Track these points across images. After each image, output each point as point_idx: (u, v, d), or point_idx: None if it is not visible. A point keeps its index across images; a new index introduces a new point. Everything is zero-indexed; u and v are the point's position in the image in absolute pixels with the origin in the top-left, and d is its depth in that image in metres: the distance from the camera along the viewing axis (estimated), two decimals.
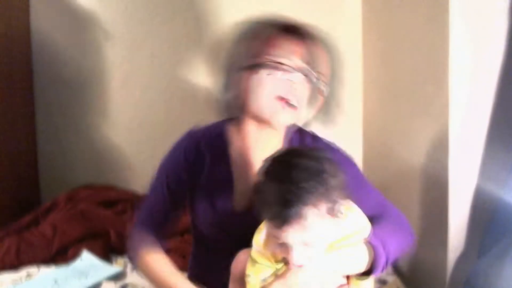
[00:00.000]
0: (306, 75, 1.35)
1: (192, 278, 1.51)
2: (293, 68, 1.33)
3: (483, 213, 1.73)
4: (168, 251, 2.07)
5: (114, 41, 2.59)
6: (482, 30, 1.67)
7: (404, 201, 2.15)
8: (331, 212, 1.07)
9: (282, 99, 1.33)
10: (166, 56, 2.61)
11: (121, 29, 2.59)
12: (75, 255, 2.07)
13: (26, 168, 2.56)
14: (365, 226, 1.24)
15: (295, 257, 1.08)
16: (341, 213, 1.09)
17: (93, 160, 2.65)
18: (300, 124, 1.48)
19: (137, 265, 1.48)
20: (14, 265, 2.03)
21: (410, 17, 2.04)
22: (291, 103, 1.34)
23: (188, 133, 1.51)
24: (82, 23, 2.58)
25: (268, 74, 1.34)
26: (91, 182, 2.56)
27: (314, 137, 1.52)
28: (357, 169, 1.55)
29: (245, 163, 1.43)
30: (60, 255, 2.11)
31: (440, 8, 1.72)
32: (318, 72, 1.39)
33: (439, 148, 1.80)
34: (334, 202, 1.08)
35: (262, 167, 1.14)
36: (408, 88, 2.09)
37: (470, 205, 1.76)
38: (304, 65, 1.35)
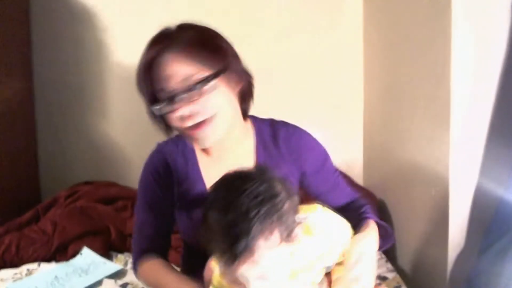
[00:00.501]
0: (194, 89, 1.19)
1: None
2: (177, 92, 1.20)
3: (484, 211, 1.73)
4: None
5: (114, 40, 2.59)
6: (484, 30, 1.68)
7: (405, 200, 2.16)
8: (287, 239, 0.98)
9: (190, 128, 1.23)
10: None
11: (121, 28, 2.59)
12: (75, 252, 2.07)
13: (26, 167, 2.56)
14: (334, 239, 1.15)
15: (252, 286, 0.98)
16: (298, 237, 1.00)
17: (93, 158, 2.65)
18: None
19: (139, 278, 1.44)
20: (14, 261, 2.03)
21: (411, 16, 2.05)
22: (198, 122, 1.22)
23: (156, 148, 1.46)
24: (82, 23, 2.58)
25: (161, 111, 1.24)
26: (91, 179, 2.57)
27: (286, 125, 1.41)
28: (327, 156, 1.44)
29: (216, 171, 1.22)
30: (60, 251, 2.10)
31: (443, 8, 1.72)
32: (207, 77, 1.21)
33: (440, 147, 1.80)
34: (289, 227, 0.98)
35: (208, 195, 1.03)
36: (409, 87, 2.09)
37: (470, 203, 1.76)
38: (186, 82, 1.20)
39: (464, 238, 1.77)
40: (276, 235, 0.95)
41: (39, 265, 2.02)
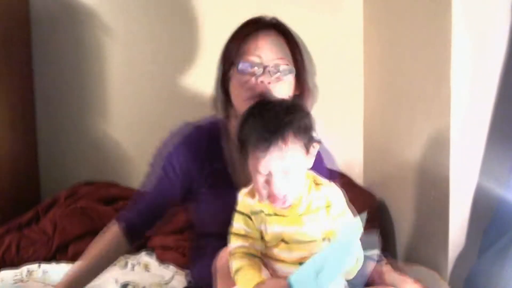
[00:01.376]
0: (279, 71, 1.38)
1: (196, 279, 1.54)
2: (265, 66, 1.37)
3: (484, 211, 1.74)
4: (169, 249, 2.08)
5: (114, 40, 2.59)
6: (484, 30, 1.69)
7: (405, 200, 2.16)
8: (307, 146, 1.17)
9: (254, 97, 1.34)
10: (166, 54, 2.61)
11: (121, 28, 2.59)
12: (75, 252, 2.07)
13: (26, 167, 2.56)
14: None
15: (277, 184, 1.14)
16: (314, 149, 1.20)
17: (93, 158, 2.65)
18: None
19: None
20: (14, 262, 2.03)
21: (411, 17, 2.05)
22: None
23: (186, 128, 1.52)
24: (82, 23, 2.58)
25: (239, 77, 1.39)
26: (91, 179, 2.57)
27: None
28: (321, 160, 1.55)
29: (239, 158, 1.41)
30: (61, 252, 2.11)
31: (443, 8, 1.73)
32: (294, 62, 1.43)
33: (440, 147, 1.80)
34: (310, 140, 1.18)
35: (245, 111, 1.23)
36: (409, 87, 2.10)
37: (470, 204, 1.77)
38: (276, 61, 1.38)
39: (464, 238, 1.78)
40: (301, 142, 1.15)
41: (39, 265, 2.01)
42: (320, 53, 2.60)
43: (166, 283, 1.96)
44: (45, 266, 2.01)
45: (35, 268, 1.99)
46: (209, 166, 1.47)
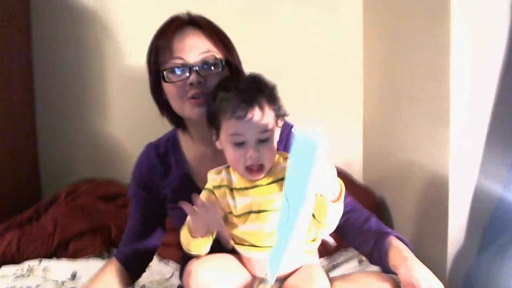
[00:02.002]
0: (206, 66, 1.33)
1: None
2: (190, 66, 1.32)
3: (483, 210, 1.74)
4: (168, 246, 2.08)
5: (114, 40, 2.59)
6: (484, 29, 1.69)
7: (405, 198, 2.16)
8: (277, 116, 1.22)
9: (191, 98, 1.33)
10: None
11: (121, 28, 2.60)
12: (75, 249, 2.08)
13: (27, 165, 2.56)
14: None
15: (253, 152, 1.17)
16: (281, 122, 1.24)
17: (93, 156, 2.65)
18: None
19: None
20: (15, 258, 2.04)
21: (411, 17, 2.05)
22: (197, 97, 1.33)
23: (145, 149, 1.54)
24: (82, 23, 2.59)
25: (168, 86, 1.36)
26: (91, 177, 2.58)
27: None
28: None
29: (203, 162, 1.45)
30: (61, 249, 2.11)
31: (442, 8, 1.73)
32: (220, 52, 1.37)
33: (440, 146, 1.81)
34: (279, 108, 1.23)
35: (213, 88, 1.25)
36: (409, 87, 2.10)
37: (470, 202, 1.77)
38: (200, 56, 1.34)
39: (463, 236, 1.78)
40: (273, 111, 1.20)
41: (40, 261, 2.02)
42: (320, 53, 2.64)
43: (166, 280, 1.97)
44: (45, 263, 2.02)
45: (35, 264, 2.00)
46: (168, 176, 1.47)
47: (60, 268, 1.98)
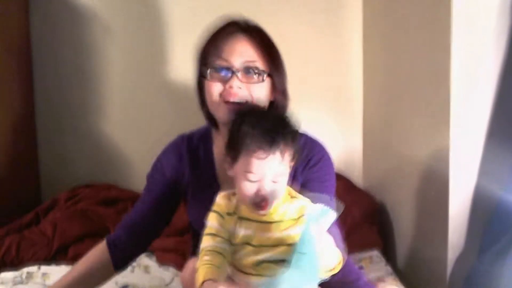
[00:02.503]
0: (248, 72, 1.37)
1: None
2: (235, 68, 1.36)
3: (483, 211, 1.73)
4: (168, 251, 2.08)
5: (114, 40, 2.59)
6: (484, 29, 1.68)
7: (405, 199, 2.16)
8: (293, 158, 1.22)
9: (226, 102, 1.36)
10: (166, 55, 2.61)
11: (121, 28, 2.59)
12: (75, 254, 2.07)
13: (27, 169, 2.57)
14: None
15: (267, 190, 1.18)
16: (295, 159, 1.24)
17: (93, 160, 2.66)
18: None
19: None
20: (14, 263, 2.04)
21: (411, 17, 2.05)
22: (234, 101, 1.36)
23: (177, 138, 1.56)
24: (82, 24, 2.58)
25: (211, 77, 1.39)
26: (91, 181, 2.57)
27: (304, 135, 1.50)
28: (332, 170, 1.51)
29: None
30: (61, 253, 2.11)
31: (442, 8, 1.72)
32: (268, 65, 1.40)
33: (440, 147, 1.80)
34: (296, 150, 1.22)
35: (233, 120, 1.24)
36: (409, 86, 2.09)
37: (470, 203, 1.76)
38: (246, 64, 1.37)
39: (464, 238, 1.77)
40: (291, 153, 1.20)
41: (39, 267, 2.01)
42: (320, 53, 2.63)
43: (166, 285, 1.97)
44: (44, 268, 2.01)
45: (34, 270, 1.99)
46: (194, 171, 1.50)
47: (59, 273, 1.96)
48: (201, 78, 1.44)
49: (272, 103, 1.44)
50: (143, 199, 1.55)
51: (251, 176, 1.18)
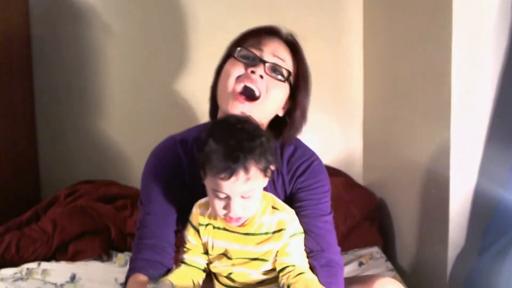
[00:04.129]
0: (274, 70, 1.34)
1: None
2: (263, 61, 1.33)
3: (484, 211, 1.73)
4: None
5: (114, 40, 2.59)
6: (484, 29, 1.69)
7: (405, 199, 2.16)
8: (265, 170, 1.19)
9: (240, 93, 1.30)
10: (166, 54, 2.62)
11: (121, 28, 2.59)
12: (75, 251, 2.07)
13: (26, 166, 2.57)
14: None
15: (235, 207, 1.17)
16: (270, 172, 1.22)
17: (93, 157, 2.66)
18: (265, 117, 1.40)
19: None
20: (14, 260, 2.04)
21: (411, 17, 2.05)
22: (251, 93, 1.31)
23: (168, 142, 1.45)
24: (82, 23, 2.59)
25: (238, 57, 1.35)
26: (91, 178, 2.57)
27: (297, 143, 1.45)
28: (323, 176, 1.43)
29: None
30: (61, 251, 2.11)
31: (443, 8, 1.72)
32: (288, 71, 1.37)
33: (440, 147, 1.80)
34: (267, 162, 1.18)
35: (205, 130, 1.21)
36: (409, 87, 2.10)
37: (470, 203, 1.77)
38: (276, 60, 1.35)
39: (464, 237, 1.78)
40: (261, 168, 1.17)
41: (39, 264, 2.01)
42: (320, 53, 2.63)
43: None
44: (44, 265, 2.01)
45: (34, 266, 2.00)
46: (192, 175, 1.38)
47: (59, 270, 1.98)
48: (226, 59, 1.38)
49: (282, 121, 1.41)
50: (150, 210, 1.38)
51: (219, 194, 1.17)
